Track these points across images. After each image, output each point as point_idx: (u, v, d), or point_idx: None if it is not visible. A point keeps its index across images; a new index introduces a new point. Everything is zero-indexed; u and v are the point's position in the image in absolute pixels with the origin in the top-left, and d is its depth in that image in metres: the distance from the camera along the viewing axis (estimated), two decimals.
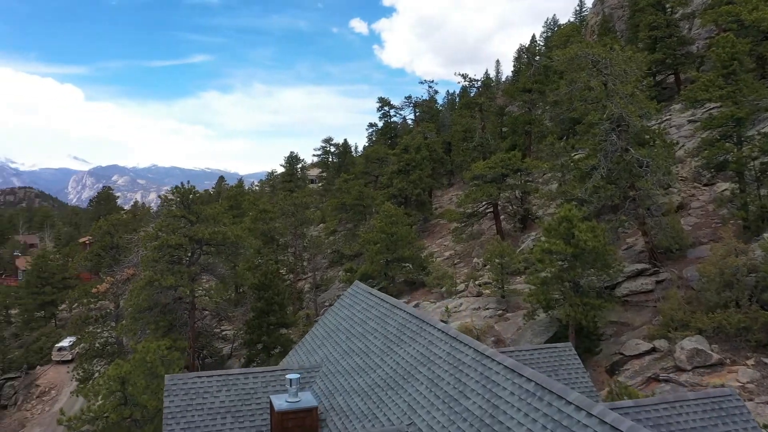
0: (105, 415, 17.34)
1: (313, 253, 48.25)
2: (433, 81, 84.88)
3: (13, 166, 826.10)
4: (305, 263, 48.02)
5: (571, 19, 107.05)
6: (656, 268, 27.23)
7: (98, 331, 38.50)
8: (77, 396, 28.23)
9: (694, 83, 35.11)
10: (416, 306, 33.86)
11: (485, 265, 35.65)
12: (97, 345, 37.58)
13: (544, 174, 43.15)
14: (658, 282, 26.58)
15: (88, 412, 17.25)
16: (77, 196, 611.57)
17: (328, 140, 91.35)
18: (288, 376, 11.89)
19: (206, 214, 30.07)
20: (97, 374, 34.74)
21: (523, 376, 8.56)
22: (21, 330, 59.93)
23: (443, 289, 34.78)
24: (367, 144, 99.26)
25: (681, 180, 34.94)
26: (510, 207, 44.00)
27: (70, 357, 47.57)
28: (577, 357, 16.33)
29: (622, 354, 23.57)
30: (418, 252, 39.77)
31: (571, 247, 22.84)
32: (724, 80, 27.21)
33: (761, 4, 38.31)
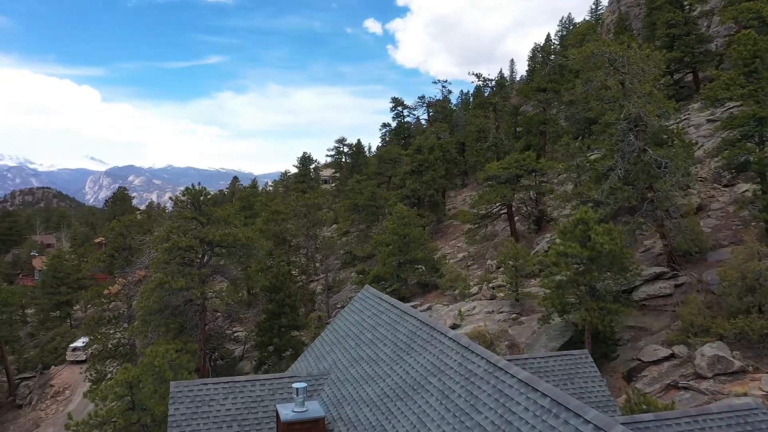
0: (113, 420, 17.16)
1: (325, 254, 48.00)
2: (446, 81, 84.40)
3: (31, 166, 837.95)
4: (317, 264, 47.78)
5: (587, 18, 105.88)
6: (675, 272, 26.55)
7: (111, 332, 38.59)
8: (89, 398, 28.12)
9: (713, 82, 34.32)
10: (429, 309, 33.46)
11: (499, 268, 35.12)
12: (109, 346, 37.67)
13: (559, 175, 42.46)
14: (677, 286, 25.90)
15: (96, 416, 17.09)
16: (94, 196, 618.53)
17: (341, 140, 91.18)
18: (294, 385, 11.58)
19: (217, 216, 29.90)
20: (109, 375, 34.85)
21: (538, 390, 8.14)
22: (37, 330, 60.44)
23: (456, 291, 34.31)
24: (380, 144, 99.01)
25: (700, 181, 34.16)
26: (524, 208, 43.40)
27: (84, 357, 47.81)
28: (594, 365, 15.86)
29: (639, 360, 22.97)
30: (431, 254, 39.33)
31: (587, 250, 22.28)
32: (745, 78, 26.47)
33: None
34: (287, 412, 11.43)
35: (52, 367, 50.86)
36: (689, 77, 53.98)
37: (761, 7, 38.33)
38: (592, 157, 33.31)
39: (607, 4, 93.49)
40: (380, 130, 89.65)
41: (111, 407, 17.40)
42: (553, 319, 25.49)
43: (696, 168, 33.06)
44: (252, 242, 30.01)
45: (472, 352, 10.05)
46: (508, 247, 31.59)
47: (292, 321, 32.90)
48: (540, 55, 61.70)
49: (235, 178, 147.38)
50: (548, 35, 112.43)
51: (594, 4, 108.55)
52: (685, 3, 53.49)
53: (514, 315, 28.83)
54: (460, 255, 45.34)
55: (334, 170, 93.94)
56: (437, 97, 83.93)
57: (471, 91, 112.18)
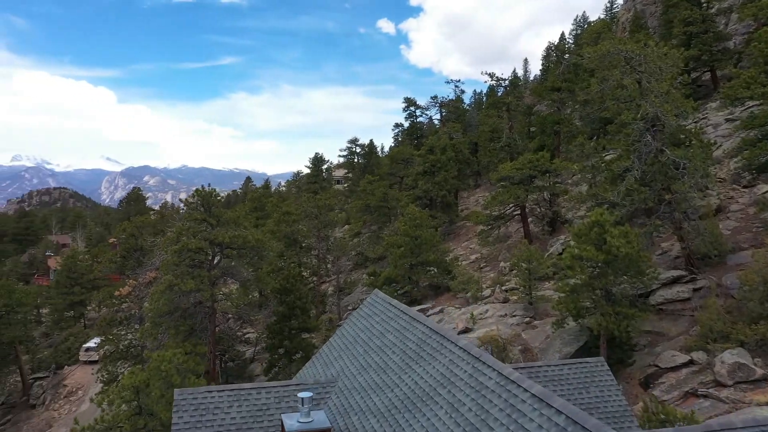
0: (119, 425, 16.97)
1: (337, 255, 47.72)
2: (459, 80, 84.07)
3: (48, 167, 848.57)
4: (329, 266, 47.51)
5: (602, 16, 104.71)
6: (693, 275, 25.87)
7: (123, 333, 38.59)
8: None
9: (732, 80, 33.55)
10: (441, 311, 33.02)
11: (512, 270, 34.59)
12: (121, 347, 37.68)
13: (573, 175, 41.83)
14: (695, 290, 25.22)
15: (102, 421, 16.91)
16: (110, 196, 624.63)
17: (353, 141, 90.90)
18: (300, 395, 11.24)
19: (227, 218, 29.70)
20: (120, 377, 34.82)
21: (552, 407, 7.72)
22: (51, 329, 60.85)
23: (468, 294, 33.82)
24: (393, 144, 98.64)
25: (719, 181, 33.38)
26: (538, 209, 42.79)
27: (96, 357, 47.93)
28: (610, 373, 15.35)
29: (657, 366, 22.36)
30: (443, 256, 38.86)
31: (602, 253, 21.73)
32: (766, 77, 25.78)
33: None
34: (292, 422, 11.10)
35: (66, 367, 51.07)
36: (707, 76, 53.06)
37: None
38: (608, 157, 32.69)
39: (622, 2, 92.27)
40: (393, 130, 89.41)
41: (117, 412, 17.20)
42: (568, 324, 24.94)
43: (715, 169, 32.31)
44: (262, 244, 29.78)
45: (484, 363, 9.65)
46: (522, 249, 31.06)
47: (303, 323, 32.61)
48: (554, 54, 61.11)
49: (248, 179, 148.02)
50: (562, 34, 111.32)
51: (609, 2, 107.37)
52: (703, 1, 52.54)
53: (527, 319, 28.31)
54: (473, 257, 44.83)
55: (346, 171, 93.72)
56: (450, 97, 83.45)
57: (484, 91, 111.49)
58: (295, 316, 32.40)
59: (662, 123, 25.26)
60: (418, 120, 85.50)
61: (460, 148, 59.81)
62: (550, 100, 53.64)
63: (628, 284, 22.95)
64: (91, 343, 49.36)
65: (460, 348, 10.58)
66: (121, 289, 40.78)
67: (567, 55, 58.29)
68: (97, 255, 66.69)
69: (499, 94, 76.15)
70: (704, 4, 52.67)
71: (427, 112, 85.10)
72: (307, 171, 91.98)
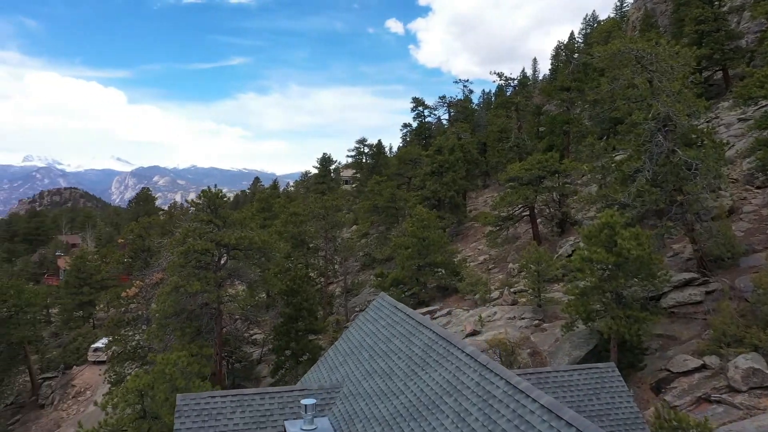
0: (123, 428, 16.84)
1: (344, 256, 47.52)
2: (468, 80, 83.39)
3: (59, 167, 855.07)
4: (336, 267, 47.32)
5: (612, 15, 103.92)
6: (706, 278, 25.44)
7: (130, 334, 38.57)
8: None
9: (745, 79, 33.03)
10: (448, 313, 32.73)
11: (521, 272, 34.24)
12: (129, 348, 37.64)
13: (583, 176, 41.37)
14: (707, 293, 24.79)
15: (105, 425, 16.79)
16: (120, 196, 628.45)
17: (361, 141, 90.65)
18: (303, 402, 11.03)
19: (233, 219, 29.56)
20: (128, 378, 34.79)
21: (562, 419, 7.45)
22: (60, 329, 61.05)
23: (477, 296, 33.50)
24: (401, 144, 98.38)
25: (731, 182, 32.87)
26: (547, 210, 42.38)
27: (105, 358, 48.01)
28: (621, 379, 15.02)
29: (668, 371, 21.96)
30: (451, 257, 38.55)
31: (613, 255, 21.35)
32: None
33: None
34: (296, 429, 10.90)
35: (74, 367, 51.22)
36: (718, 75, 52.44)
37: None
38: (618, 157, 32.25)
39: (632, 0, 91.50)
40: (401, 130, 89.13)
41: (122, 415, 17.07)
42: (578, 327, 24.56)
43: (727, 169, 31.81)
44: (268, 245, 29.62)
45: (491, 371, 9.38)
46: (531, 251, 30.69)
47: (310, 325, 32.42)
48: (563, 53, 60.64)
49: (257, 179, 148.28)
50: (572, 33, 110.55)
51: (619, 1, 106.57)
52: None
53: (536, 321, 27.97)
54: (481, 258, 44.49)
55: (354, 171, 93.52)
56: (458, 97, 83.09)
57: (493, 91, 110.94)
58: (301, 318, 32.22)
59: (674, 123, 24.84)
60: (426, 120, 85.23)
61: (469, 149, 59.48)
62: (560, 99, 53.19)
63: (639, 287, 22.56)
64: (100, 344, 49.46)
65: (467, 355, 10.31)
66: (127, 290, 40.75)
67: (576, 54, 57.80)
68: (105, 255, 66.89)
69: (508, 93, 75.71)
70: (716, 3, 52.06)
71: (436, 112, 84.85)
72: (315, 171, 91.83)
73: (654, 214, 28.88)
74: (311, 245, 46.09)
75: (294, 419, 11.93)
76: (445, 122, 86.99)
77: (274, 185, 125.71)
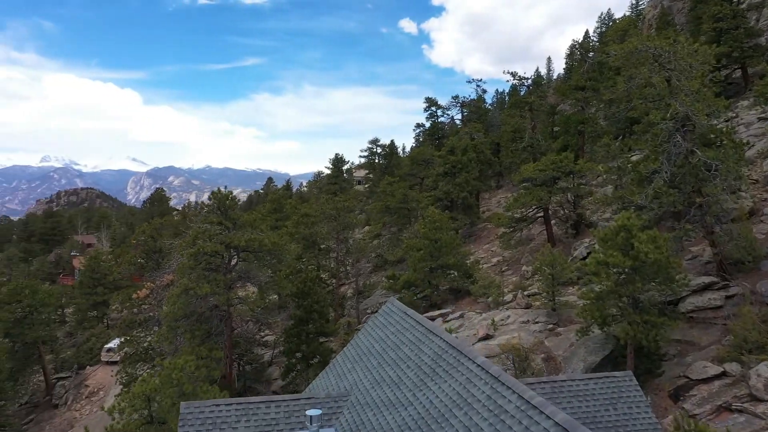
0: None
1: (356, 257, 47.22)
2: (481, 80, 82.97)
3: (76, 167, 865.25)
4: (348, 268, 47.03)
5: (627, 13, 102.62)
6: (726, 282, 24.74)
7: (142, 335, 38.57)
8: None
9: (764, 77, 32.28)
10: (461, 316, 32.27)
11: (534, 274, 33.70)
12: (140, 350, 37.63)
13: (598, 177, 40.71)
14: (727, 297, 24.10)
15: (112, 430, 16.61)
16: (136, 196, 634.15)
17: (374, 141, 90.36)
18: (308, 413, 10.70)
19: (243, 221, 29.36)
20: (140, 379, 34.75)
21: None
22: (75, 329, 61.42)
23: (490, 299, 33.00)
24: (414, 144, 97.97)
25: (751, 183, 32.06)
26: (562, 211, 41.73)
27: (118, 358, 48.15)
28: (639, 388, 14.52)
29: (687, 377, 21.35)
30: (464, 259, 38.06)
31: (629, 259, 20.77)
32: None
33: None
34: None
35: (88, 367, 51.45)
36: (737, 73, 51.41)
37: None
38: (634, 158, 31.62)
39: None
40: (414, 130, 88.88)
41: (128, 421, 16.89)
42: (593, 331, 24.02)
43: (747, 170, 31.02)
44: (278, 247, 29.36)
45: (503, 384, 8.98)
46: (545, 253, 30.14)
47: (321, 327, 32.15)
48: (578, 52, 59.82)
49: (270, 179, 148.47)
50: (586, 32, 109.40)
51: None
52: None
53: (550, 325, 27.42)
54: (494, 260, 43.96)
55: (367, 171, 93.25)
56: (471, 97, 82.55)
57: (506, 91, 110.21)
58: (312, 320, 31.96)
59: (693, 123, 24.19)
60: (439, 120, 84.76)
61: (482, 149, 58.92)
62: (574, 99, 52.46)
63: (656, 291, 21.97)
64: (113, 344, 49.63)
65: (478, 366, 9.92)
66: (138, 291, 40.75)
67: (591, 53, 56.99)
68: (119, 255, 67.22)
69: (522, 93, 75.04)
70: (734, 0, 51.04)
71: (449, 112, 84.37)
72: (327, 172, 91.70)
73: (671, 216, 28.23)
74: (323, 246, 45.84)
75: (300, 429, 11.62)
76: (458, 122, 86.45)
77: (287, 185, 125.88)
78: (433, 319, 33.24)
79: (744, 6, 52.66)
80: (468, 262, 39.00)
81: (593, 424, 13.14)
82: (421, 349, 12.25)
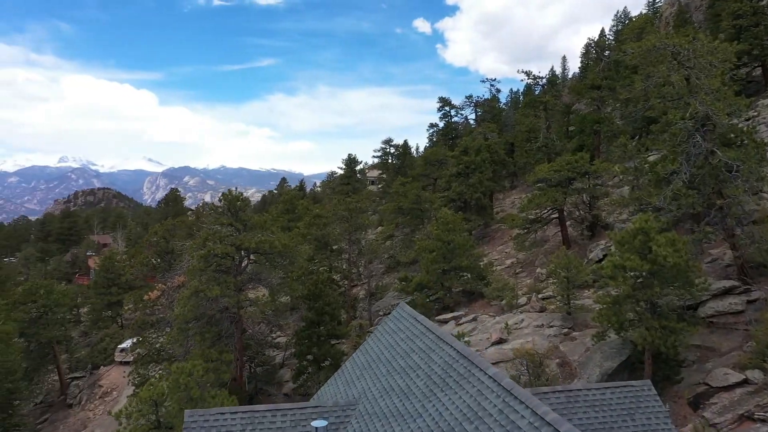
0: None
1: (369, 258, 46.88)
2: (495, 79, 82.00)
3: (93, 168, 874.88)
4: (360, 269, 46.71)
5: (644, 11, 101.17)
6: (747, 286, 24.07)
7: (154, 336, 38.54)
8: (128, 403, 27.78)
9: None
10: (474, 320, 31.81)
11: (549, 277, 33.11)
12: (153, 350, 37.59)
13: (614, 177, 39.97)
14: (749, 302, 23.44)
15: None
16: (151, 196, 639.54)
17: (387, 141, 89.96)
18: (314, 424, 10.39)
19: (254, 222, 29.14)
20: (152, 380, 34.70)
21: None
22: (89, 329, 61.78)
23: (503, 302, 32.49)
24: (427, 145, 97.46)
25: None
26: (577, 213, 41.06)
27: (131, 358, 48.26)
28: (658, 398, 14.02)
29: (707, 385, 20.74)
30: (477, 261, 37.54)
31: (647, 263, 20.21)
32: None
33: None
34: None
35: (101, 367, 51.66)
36: (757, 71, 50.35)
37: None
38: (651, 158, 30.93)
39: None
40: (428, 130, 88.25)
41: (136, 426, 16.69)
42: (609, 336, 23.44)
43: None
44: (289, 249, 29.10)
45: (516, 398, 8.58)
46: (560, 255, 29.57)
47: (332, 330, 31.86)
48: (594, 50, 58.93)
49: (283, 179, 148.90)
50: (602, 30, 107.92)
51: None
52: None
53: (565, 330, 26.87)
54: (508, 261, 43.40)
55: (380, 171, 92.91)
56: (485, 96, 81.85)
57: (521, 90, 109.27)
58: (323, 323, 31.68)
59: (713, 122, 23.53)
60: (453, 120, 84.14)
61: (496, 149, 58.26)
62: (590, 98, 51.70)
63: (675, 296, 21.37)
64: (126, 344, 49.78)
65: (490, 377, 9.52)
66: (150, 293, 40.74)
67: (607, 51, 56.03)
68: (133, 255, 67.52)
69: (537, 92, 74.17)
70: None
71: (462, 112, 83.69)
72: (340, 172, 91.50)
73: (690, 218, 27.54)
74: (335, 248, 45.56)
75: None
76: (472, 122, 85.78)
77: (301, 186, 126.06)
78: (445, 321, 32.80)
79: (764, 3, 51.49)
80: (481, 263, 38.49)
81: None
82: (431, 357, 11.88)
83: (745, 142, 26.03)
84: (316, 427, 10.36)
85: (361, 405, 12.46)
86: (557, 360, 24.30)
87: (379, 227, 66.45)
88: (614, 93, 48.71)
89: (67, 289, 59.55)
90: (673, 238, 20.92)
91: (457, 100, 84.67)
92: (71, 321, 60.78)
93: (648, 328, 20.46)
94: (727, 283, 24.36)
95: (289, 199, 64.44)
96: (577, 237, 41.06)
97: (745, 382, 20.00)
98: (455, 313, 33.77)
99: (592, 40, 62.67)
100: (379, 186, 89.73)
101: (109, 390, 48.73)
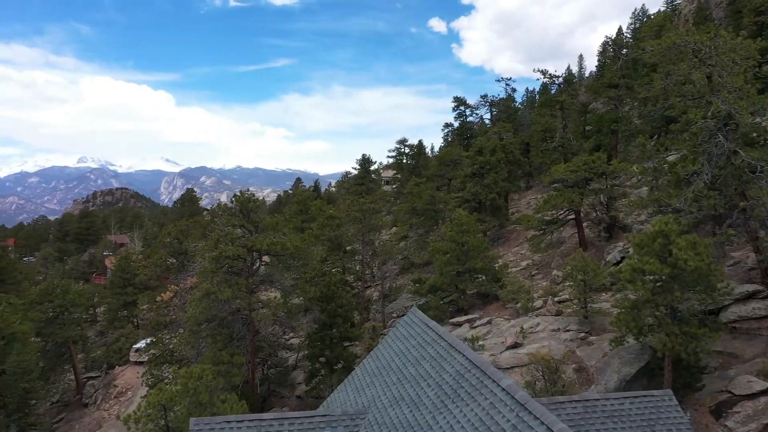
0: None
1: (383, 259, 46.53)
2: (510, 78, 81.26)
3: (111, 168, 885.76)
4: (374, 270, 46.38)
5: (662, 9, 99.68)
6: None
7: (168, 337, 38.58)
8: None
9: None
10: (489, 323, 31.33)
11: (565, 279, 32.51)
12: (166, 351, 37.62)
13: (632, 178, 39.20)
14: None
15: None
16: (168, 196, 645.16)
17: (402, 141, 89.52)
18: None
19: (266, 224, 28.93)
20: (166, 381, 34.69)
21: None
22: (106, 329, 62.23)
23: (518, 305, 31.96)
24: (442, 144, 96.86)
25: None
26: (594, 214, 40.33)
27: (146, 358, 48.44)
28: (679, 408, 13.50)
29: (730, 392, 20.11)
30: (492, 262, 37.01)
31: (668, 266, 19.60)
32: None
33: None
34: None
35: (117, 367, 51.93)
36: None
37: None
38: (671, 158, 30.21)
39: None
40: (442, 130, 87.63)
41: (144, 431, 16.52)
42: (628, 341, 22.84)
43: None
44: (301, 251, 28.85)
45: (530, 413, 8.18)
46: (576, 257, 28.97)
47: (345, 332, 31.55)
48: (611, 49, 57.90)
49: (298, 179, 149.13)
50: (620, 28, 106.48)
51: None
52: None
53: (582, 334, 26.29)
54: (524, 263, 42.79)
55: (395, 171, 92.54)
56: (501, 96, 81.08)
57: (537, 89, 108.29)
58: (336, 325, 31.39)
59: (735, 122, 22.83)
60: (468, 120, 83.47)
61: (511, 149, 57.57)
62: (607, 97, 50.86)
63: (696, 300, 20.72)
64: (141, 344, 49.97)
65: (503, 390, 9.12)
66: (162, 294, 40.78)
67: (625, 49, 55.08)
68: (148, 256, 67.90)
69: (553, 92, 73.41)
70: None
71: (478, 112, 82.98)
72: (355, 172, 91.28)
73: (711, 220, 26.80)
74: (348, 249, 45.29)
75: None
76: (487, 122, 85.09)
77: (316, 186, 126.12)
78: (459, 324, 32.36)
79: None
80: (496, 265, 37.98)
81: None
82: (442, 366, 11.50)
83: None
84: None
85: (370, 414, 12.13)
86: (574, 365, 23.75)
87: (393, 228, 66.10)
88: (632, 92, 47.87)
89: (84, 288, 59.98)
90: (694, 241, 20.29)
91: (472, 100, 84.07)
92: (87, 321, 61.25)
93: (668, 333, 19.85)
94: (751, 287, 23.65)
95: (303, 200, 64.32)
96: (594, 239, 40.35)
97: None
98: (469, 316, 33.31)
99: (610, 38, 61.64)
100: (394, 186, 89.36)
101: (123, 390, 48.95)
